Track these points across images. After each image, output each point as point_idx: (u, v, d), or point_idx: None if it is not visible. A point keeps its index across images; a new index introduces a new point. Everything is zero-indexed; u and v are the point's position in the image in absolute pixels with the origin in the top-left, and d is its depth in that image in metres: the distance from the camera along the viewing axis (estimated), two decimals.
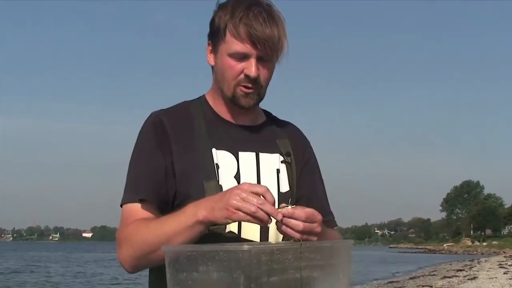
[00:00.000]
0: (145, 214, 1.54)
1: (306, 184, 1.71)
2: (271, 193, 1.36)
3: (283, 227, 1.34)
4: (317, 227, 1.36)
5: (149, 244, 1.45)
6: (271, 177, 1.65)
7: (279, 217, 1.33)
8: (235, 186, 1.35)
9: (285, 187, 1.65)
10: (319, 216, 1.38)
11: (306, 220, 1.34)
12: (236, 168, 1.61)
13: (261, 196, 1.34)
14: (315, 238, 1.36)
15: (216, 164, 1.58)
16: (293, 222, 1.34)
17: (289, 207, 1.36)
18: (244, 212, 1.32)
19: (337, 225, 1.76)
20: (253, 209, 1.31)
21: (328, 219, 1.71)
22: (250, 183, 1.35)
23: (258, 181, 1.63)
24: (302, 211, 1.34)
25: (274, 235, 1.59)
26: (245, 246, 1.20)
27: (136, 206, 1.55)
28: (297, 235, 1.31)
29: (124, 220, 1.55)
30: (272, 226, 1.50)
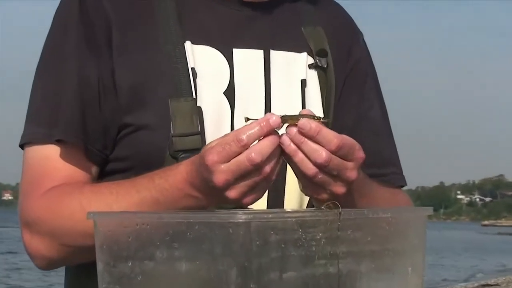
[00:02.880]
0: (71, 170, 1.32)
1: (353, 108, 1.48)
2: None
3: (290, 149, 1.12)
4: (352, 169, 1.15)
5: (88, 233, 1.16)
6: (291, 94, 1.42)
7: (291, 131, 1.12)
8: (210, 148, 1.13)
9: (315, 111, 1.34)
10: (360, 153, 1.16)
11: (336, 150, 1.12)
12: (229, 76, 1.37)
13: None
14: (341, 190, 1.15)
15: (192, 69, 1.35)
16: (311, 145, 1.11)
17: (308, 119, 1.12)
18: (253, 194, 1.16)
19: (405, 183, 1.50)
20: (262, 185, 1.14)
21: (390, 172, 1.47)
22: (236, 132, 1.13)
23: (268, 103, 1.38)
24: (331, 132, 1.12)
25: (294, 197, 1.36)
26: (240, 215, 0.99)
27: (51, 151, 1.31)
28: (312, 170, 1.11)
29: (32, 180, 1.32)
30: (291, 183, 1.33)
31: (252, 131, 1.08)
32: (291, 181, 1.31)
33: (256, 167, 1.09)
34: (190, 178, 1.19)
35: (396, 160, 1.51)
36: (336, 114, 1.44)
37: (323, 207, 1.09)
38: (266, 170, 1.10)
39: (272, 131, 1.09)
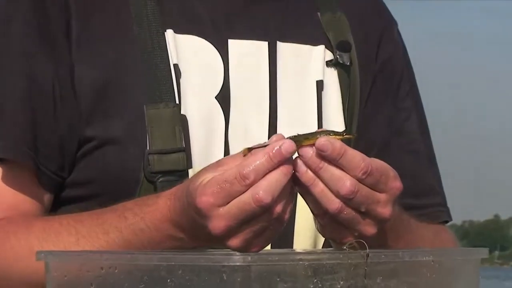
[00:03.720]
0: (16, 198, 1.20)
1: (384, 120, 1.33)
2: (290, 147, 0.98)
3: (307, 178, 0.98)
4: (385, 204, 1.00)
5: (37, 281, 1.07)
6: (303, 100, 1.27)
7: (306, 153, 0.97)
8: (203, 187, 0.99)
9: (335, 122, 1.28)
10: (395, 182, 1.00)
11: (364, 177, 0.97)
12: (222, 75, 1.24)
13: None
14: (371, 231, 1.01)
15: (175, 66, 1.21)
16: (333, 171, 0.96)
17: (324, 135, 0.99)
18: (261, 241, 1.02)
19: (450, 218, 1.35)
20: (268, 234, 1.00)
21: (431, 204, 1.33)
22: (239, 167, 0.98)
23: (273, 112, 1.24)
24: (357, 154, 0.98)
25: (305, 235, 1.23)
26: (238, 257, 0.89)
27: None
28: (335, 205, 0.97)
29: None
30: (302, 218, 1.19)
31: (259, 162, 0.94)
32: (302, 215, 1.17)
33: (265, 209, 0.96)
34: (174, 217, 1.06)
35: (438, 187, 1.35)
36: (362, 128, 1.29)
37: (345, 247, 0.98)
38: (277, 211, 0.96)
39: (285, 160, 0.96)
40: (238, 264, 0.86)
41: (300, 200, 1.05)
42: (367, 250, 0.94)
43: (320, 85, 1.28)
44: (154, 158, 1.17)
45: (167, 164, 1.16)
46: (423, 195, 1.33)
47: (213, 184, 0.95)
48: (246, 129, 1.24)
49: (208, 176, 0.98)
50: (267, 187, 0.94)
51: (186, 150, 1.18)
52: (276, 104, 1.25)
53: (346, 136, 1.00)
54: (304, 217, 1.18)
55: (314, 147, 0.96)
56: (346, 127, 1.28)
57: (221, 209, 0.95)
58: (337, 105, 1.29)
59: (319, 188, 0.97)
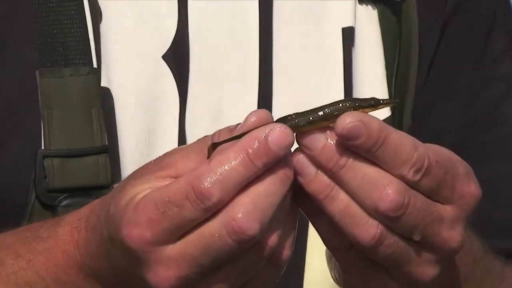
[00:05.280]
0: None
1: (460, 97, 0.89)
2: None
3: (317, 187, 0.61)
4: (452, 224, 0.62)
5: None
6: (322, 58, 0.86)
7: (316, 142, 0.61)
8: (134, 209, 0.61)
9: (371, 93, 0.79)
10: (468, 184, 0.63)
11: (417, 177, 0.60)
12: (175, 20, 0.83)
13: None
14: (430, 274, 0.64)
15: (92, 5, 0.82)
16: (365, 171, 0.60)
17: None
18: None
19: None
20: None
21: None
22: (193, 176, 0.60)
23: (266, 83, 0.84)
24: (407, 138, 0.62)
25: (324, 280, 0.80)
26: None
27: None
28: (371, 231, 0.60)
29: None
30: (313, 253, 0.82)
31: (228, 168, 0.59)
32: (317, 250, 0.79)
33: (248, 245, 0.60)
34: (85, 260, 0.68)
35: None
36: (420, 112, 0.87)
37: None
38: (270, 246, 0.60)
39: (277, 160, 0.59)
40: None
41: (312, 227, 0.67)
42: None
43: (348, 34, 0.84)
44: (52, 165, 0.77)
45: (77, 175, 0.78)
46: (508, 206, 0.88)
47: (150, 206, 0.59)
48: (217, 110, 0.82)
49: (141, 189, 0.61)
50: (250, 208, 0.58)
51: (111, 149, 0.79)
52: (270, 68, 0.83)
53: (385, 104, 0.63)
54: (319, 254, 0.74)
55: (328, 132, 0.60)
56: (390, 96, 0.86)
57: (167, 249, 0.60)
58: (378, 69, 0.85)
59: (340, 203, 0.60)
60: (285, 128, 0.58)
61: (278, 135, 0.58)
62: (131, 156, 0.80)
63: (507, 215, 0.84)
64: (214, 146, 0.60)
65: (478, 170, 0.67)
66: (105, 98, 0.80)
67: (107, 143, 0.79)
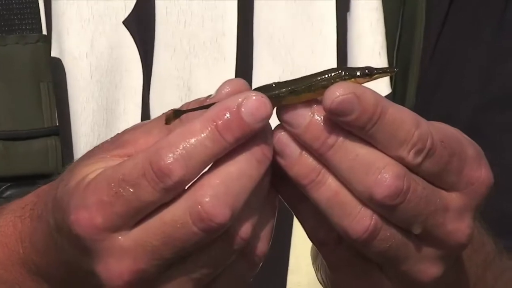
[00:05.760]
0: None
1: (469, 74, 0.80)
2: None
3: (301, 171, 0.54)
4: (458, 213, 0.55)
5: None
6: (313, 26, 0.79)
7: (302, 118, 0.54)
8: (85, 189, 0.54)
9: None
10: (477, 169, 0.56)
11: (416, 160, 0.53)
12: None
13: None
14: (433, 273, 0.57)
15: None
16: (358, 152, 0.53)
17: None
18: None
19: None
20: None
21: None
22: (153, 149, 0.53)
23: (245, 53, 0.78)
24: (407, 113, 0.55)
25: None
26: None
27: None
28: (364, 222, 0.54)
29: None
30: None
31: (194, 141, 0.52)
32: (301, 250, 0.72)
33: (216, 234, 0.53)
34: (29, 254, 0.60)
35: None
36: (426, 92, 0.79)
37: None
38: (242, 236, 0.54)
39: (251, 135, 0.53)
40: None
41: (298, 224, 0.59)
42: None
43: (342, 3, 0.76)
44: None
45: (22, 161, 0.72)
46: None
47: (101, 186, 0.52)
48: (186, 84, 0.76)
49: (94, 169, 0.54)
50: (220, 191, 0.51)
51: (62, 131, 0.73)
52: (251, 37, 0.76)
53: (381, 73, 0.56)
54: (306, 256, 0.66)
55: (314, 107, 0.53)
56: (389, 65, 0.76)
57: (121, 237, 0.52)
58: (377, 40, 0.77)
59: (327, 189, 0.54)
60: (262, 97, 0.51)
61: (254, 104, 0.50)
62: (86, 139, 0.74)
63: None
64: (176, 114, 0.52)
65: (493, 157, 0.60)
66: (56, 71, 0.73)
67: (57, 124, 0.72)
